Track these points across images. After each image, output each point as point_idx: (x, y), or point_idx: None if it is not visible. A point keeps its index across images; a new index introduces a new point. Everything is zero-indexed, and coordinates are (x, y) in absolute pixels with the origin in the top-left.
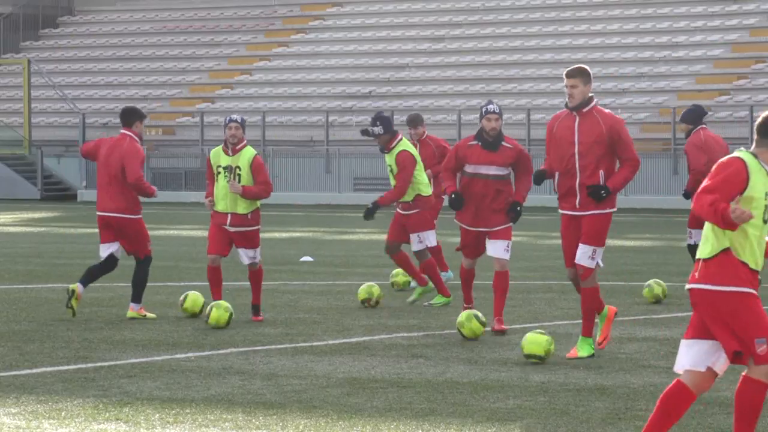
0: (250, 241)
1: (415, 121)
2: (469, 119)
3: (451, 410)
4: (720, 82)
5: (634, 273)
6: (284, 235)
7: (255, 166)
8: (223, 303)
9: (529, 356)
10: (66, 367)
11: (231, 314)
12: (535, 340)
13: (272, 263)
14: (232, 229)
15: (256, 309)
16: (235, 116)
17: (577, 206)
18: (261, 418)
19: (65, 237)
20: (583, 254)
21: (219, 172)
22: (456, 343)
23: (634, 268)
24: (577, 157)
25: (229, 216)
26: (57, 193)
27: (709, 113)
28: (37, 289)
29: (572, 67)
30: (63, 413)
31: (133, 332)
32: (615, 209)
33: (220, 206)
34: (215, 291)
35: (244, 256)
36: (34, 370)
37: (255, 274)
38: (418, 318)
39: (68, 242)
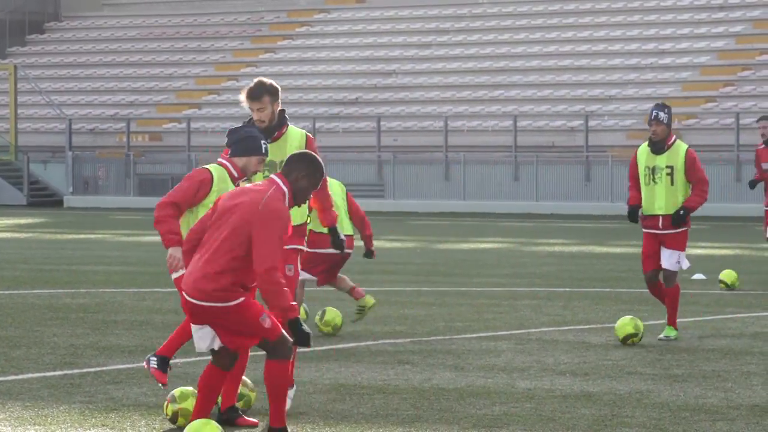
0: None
1: None
2: (456, 125)
3: (437, 417)
4: (706, 90)
5: (619, 279)
6: None
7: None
8: None
9: None
10: (52, 373)
11: None
12: None
13: None
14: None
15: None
16: None
17: None
18: None
19: (51, 243)
20: None
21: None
22: (442, 349)
23: (620, 275)
24: None
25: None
26: (43, 198)
27: (696, 120)
28: (24, 294)
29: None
30: (49, 419)
31: (119, 338)
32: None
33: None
34: None
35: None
36: (20, 376)
37: None
38: (404, 325)
39: (54, 248)
